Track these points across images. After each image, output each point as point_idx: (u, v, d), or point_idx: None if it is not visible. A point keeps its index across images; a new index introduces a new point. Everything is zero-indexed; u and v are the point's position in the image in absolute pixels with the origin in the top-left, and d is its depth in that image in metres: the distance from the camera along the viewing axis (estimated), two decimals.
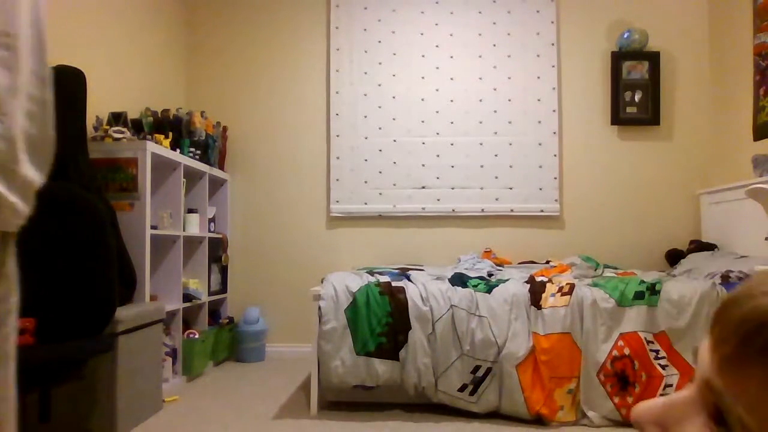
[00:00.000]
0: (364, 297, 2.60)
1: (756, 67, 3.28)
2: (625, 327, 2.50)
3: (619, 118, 3.86)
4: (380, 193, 3.92)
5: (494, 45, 3.95)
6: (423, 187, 3.91)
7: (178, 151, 3.25)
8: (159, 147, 2.92)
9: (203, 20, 4.14)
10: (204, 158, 3.58)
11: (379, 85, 3.96)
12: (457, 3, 3.97)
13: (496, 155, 3.90)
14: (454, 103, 3.94)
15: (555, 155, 3.88)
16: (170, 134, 3.18)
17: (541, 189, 3.88)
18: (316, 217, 4.00)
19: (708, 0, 3.89)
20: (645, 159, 3.89)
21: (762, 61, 3.22)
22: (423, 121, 3.94)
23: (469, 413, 2.54)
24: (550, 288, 2.65)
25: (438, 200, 3.90)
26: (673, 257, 3.59)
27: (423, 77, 3.97)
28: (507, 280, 2.79)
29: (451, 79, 3.96)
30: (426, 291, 2.63)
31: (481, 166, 3.90)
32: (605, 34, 3.94)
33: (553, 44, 3.92)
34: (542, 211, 3.87)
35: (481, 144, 3.91)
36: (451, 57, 3.97)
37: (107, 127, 2.87)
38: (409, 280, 2.76)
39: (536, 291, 2.63)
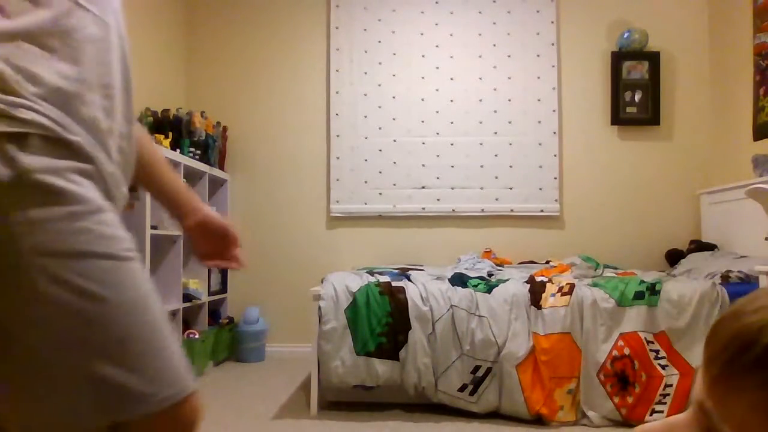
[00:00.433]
0: (364, 297, 2.60)
1: (756, 67, 3.28)
2: (625, 327, 2.50)
3: (619, 118, 3.86)
4: (380, 193, 3.92)
5: (494, 45, 3.95)
6: (423, 187, 3.91)
7: (178, 151, 3.25)
8: (159, 147, 2.93)
9: (203, 20, 4.14)
10: (204, 158, 3.58)
11: (379, 85, 3.96)
12: (457, 3, 3.97)
13: (496, 155, 3.90)
14: (454, 103, 3.94)
15: (555, 155, 3.88)
16: (170, 134, 3.18)
17: (541, 189, 3.87)
18: (316, 217, 4.00)
19: (708, 0, 3.89)
20: (645, 159, 3.89)
21: (762, 61, 3.22)
22: (423, 121, 3.94)
23: (469, 413, 2.54)
24: (550, 288, 2.65)
25: (438, 200, 3.90)
26: (673, 257, 3.59)
27: (423, 77, 3.97)
28: (507, 280, 2.79)
29: (451, 79, 3.96)
30: (426, 291, 2.63)
31: (481, 166, 3.90)
32: (605, 34, 3.94)
33: (553, 44, 3.92)
34: (542, 211, 3.87)
35: (481, 144, 3.91)
36: (451, 57, 3.97)
37: None
38: (409, 280, 2.76)
39: (536, 291, 2.63)
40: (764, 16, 3.21)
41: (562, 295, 2.60)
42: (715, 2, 3.83)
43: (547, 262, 3.52)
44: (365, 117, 3.96)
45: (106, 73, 0.80)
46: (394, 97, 3.96)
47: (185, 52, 4.11)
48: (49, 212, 0.69)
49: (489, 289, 2.65)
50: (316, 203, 4.01)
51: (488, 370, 2.52)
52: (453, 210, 3.90)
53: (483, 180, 3.90)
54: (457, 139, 3.92)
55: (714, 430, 0.40)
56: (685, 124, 3.89)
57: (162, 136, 3.05)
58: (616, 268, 3.38)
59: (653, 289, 2.54)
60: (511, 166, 3.89)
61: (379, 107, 3.95)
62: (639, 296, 2.53)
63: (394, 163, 3.92)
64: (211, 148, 3.66)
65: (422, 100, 3.95)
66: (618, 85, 3.85)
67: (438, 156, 3.92)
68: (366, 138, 3.95)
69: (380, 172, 3.92)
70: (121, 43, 0.88)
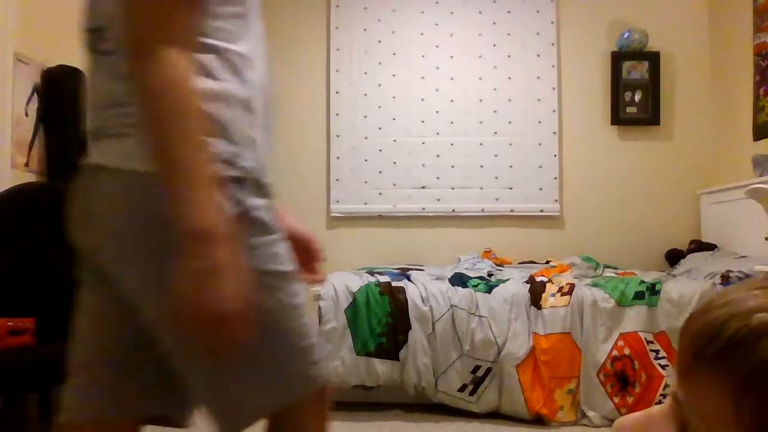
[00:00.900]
0: (364, 297, 2.60)
1: (756, 67, 3.28)
2: (625, 327, 2.50)
3: (619, 118, 3.86)
4: (380, 193, 3.92)
5: (494, 45, 3.95)
6: (423, 187, 3.91)
7: None
8: None
9: None
10: None
11: (379, 85, 3.96)
12: (457, 3, 3.97)
13: (496, 155, 3.90)
14: (454, 103, 3.94)
15: (555, 155, 3.88)
16: None
17: (541, 189, 3.87)
18: (316, 216, 4.00)
19: (708, 0, 3.89)
20: (645, 159, 3.88)
21: (762, 61, 3.22)
22: (423, 121, 3.94)
23: (469, 413, 2.54)
24: (550, 288, 2.65)
25: (438, 200, 3.90)
26: (673, 257, 3.59)
27: (423, 77, 3.96)
28: (507, 280, 2.79)
29: (451, 79, 3.96)
30: (426, 291, 2.63)
31: (481, 166, 3.90)
32: (605, 34, 3.94)
33: (553, 44, 3.92)
34: (542, 211, 3.87)
35: (481, 144, 3.91)
36: (451, 57, 3.96)
37: None
38: (409, 280, 2.76)
39: (536, 291, 2.63)
40: (764, 15, 3.21)
41: (562, 295, 2.60)
42: (715, 2, 3.83)
43: (547, 262, 3.51)
44: (365, 117, 3.96)
45: (268, 117, 0.99)
46: (394, 97, 3.95)
47: None
48: (261, 241, 0.88)
49: (489, 289, 2.65)
50: (316, 203, 4.00)
51: (488, 370, 2.52)
52: (453, 210, 3.90)
53: (483, 180, 3.89)
54: (457, 139, 3.92)
55: (687, 420, 0.42)
56: (685, 124, 3.89)
57: None
58: (616, 268, 3.38)
59: (653, 289, 2.54)
60: (511, 166, 3.89)
61: (379, 107, 3.95)
62: (639, 296, 2.53)
63: (394, 163, 3.92)
64: None
65: (422, 100, 3.95)
66: (618, 85, 3.85)
67: (438, 156, 3.92)
68: (366, 138, 3.95)
69: (380, 172, 3.92)
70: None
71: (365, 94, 3.96)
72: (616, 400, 2.46)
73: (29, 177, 2.47)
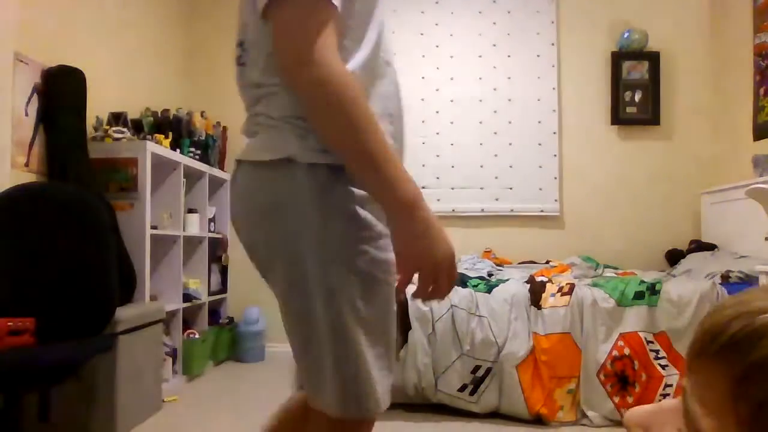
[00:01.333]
0: None
1: (756, 67, 3.28)
2: (625, 327, 2.50)
3: (619, 118, 3.86)
4: None
5: (494, 45, 3.95)
6: (423, 187, 3.91)
7: (178, 151, 3.25)
8: (159, 147, 2.92)
9: (203, 20, 4.14)
10: (204, 158, 3.58)
11: None
12: (457, 3, 3.97)
13: (496, 155, 3.90)
14: (454, 103, 3.94)
15: (555, 155, 3.88)
16: (170, 134, 3.18)
17: (541, 189, 3.87)
18: None
19: (708, 0, 3.89)
20: (645, 159, 3.89)
21: (762, 61, 3.22)
22: (423, 121, 3.94)
23: (469, 413, 2.54)
24: (550, 288, 2.65)
25: (438, 200, 3.90)
26: (673, 257, 3.59)
27: (423, 77, 3.97)
28: (507, 280, 2.78)
29: (451, 79, 3.96)
30: None
31: (481, 166, 3.90)
32: (605, 34, 3.94)
33: (553, 44, 3.92)
34: (542, 211, 3.87)
35: (481, 144, 3.91)
36: (451, 57, 3.97)
37: (107, 127, 2.86)
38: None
39: (536, 291, 2.63)
40: (764, 15, 3.21)
41: (562, 295, 2.60)
42: (715, 2, 3.83)
43: (547, 262, 3.52)
44: None
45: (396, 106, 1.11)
46: None
47: (185, 52, 4.11)
48: (357, 235, 0.91)
49: (489, 289, 2.65)
50: None
51: (488, 370, 2.52)
52: (453, 210, 3.90)
53: (483, 180, 3.90)
54: (457, 139, 3.92)
55: (687, 407, 0.43)
56: (685, 124, 3.89)
57: (162, 136, 3.05)
58: (616, 268, 3.38)
59: (653, 289, 2.54)
60: (511, 166, 3.89)
61: None
62: (639, 296, 2.53)
63: None
64: (211, 148, 3.66)
65: (422, 100, 3.95)
66: (618, 85, 3.85)
67: (438, 156, 3.92)
68: None
69: None
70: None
71: None
72: (616, 400, 2.46)
73: (29, 177, 2.47)
